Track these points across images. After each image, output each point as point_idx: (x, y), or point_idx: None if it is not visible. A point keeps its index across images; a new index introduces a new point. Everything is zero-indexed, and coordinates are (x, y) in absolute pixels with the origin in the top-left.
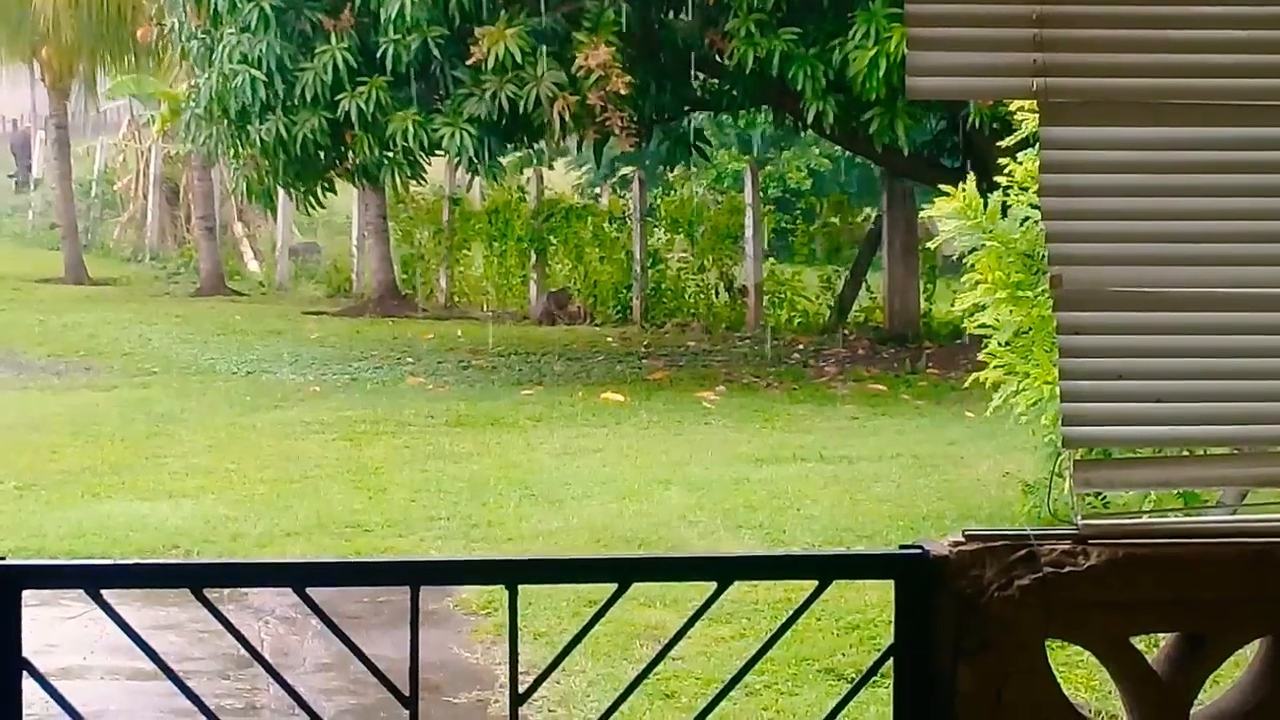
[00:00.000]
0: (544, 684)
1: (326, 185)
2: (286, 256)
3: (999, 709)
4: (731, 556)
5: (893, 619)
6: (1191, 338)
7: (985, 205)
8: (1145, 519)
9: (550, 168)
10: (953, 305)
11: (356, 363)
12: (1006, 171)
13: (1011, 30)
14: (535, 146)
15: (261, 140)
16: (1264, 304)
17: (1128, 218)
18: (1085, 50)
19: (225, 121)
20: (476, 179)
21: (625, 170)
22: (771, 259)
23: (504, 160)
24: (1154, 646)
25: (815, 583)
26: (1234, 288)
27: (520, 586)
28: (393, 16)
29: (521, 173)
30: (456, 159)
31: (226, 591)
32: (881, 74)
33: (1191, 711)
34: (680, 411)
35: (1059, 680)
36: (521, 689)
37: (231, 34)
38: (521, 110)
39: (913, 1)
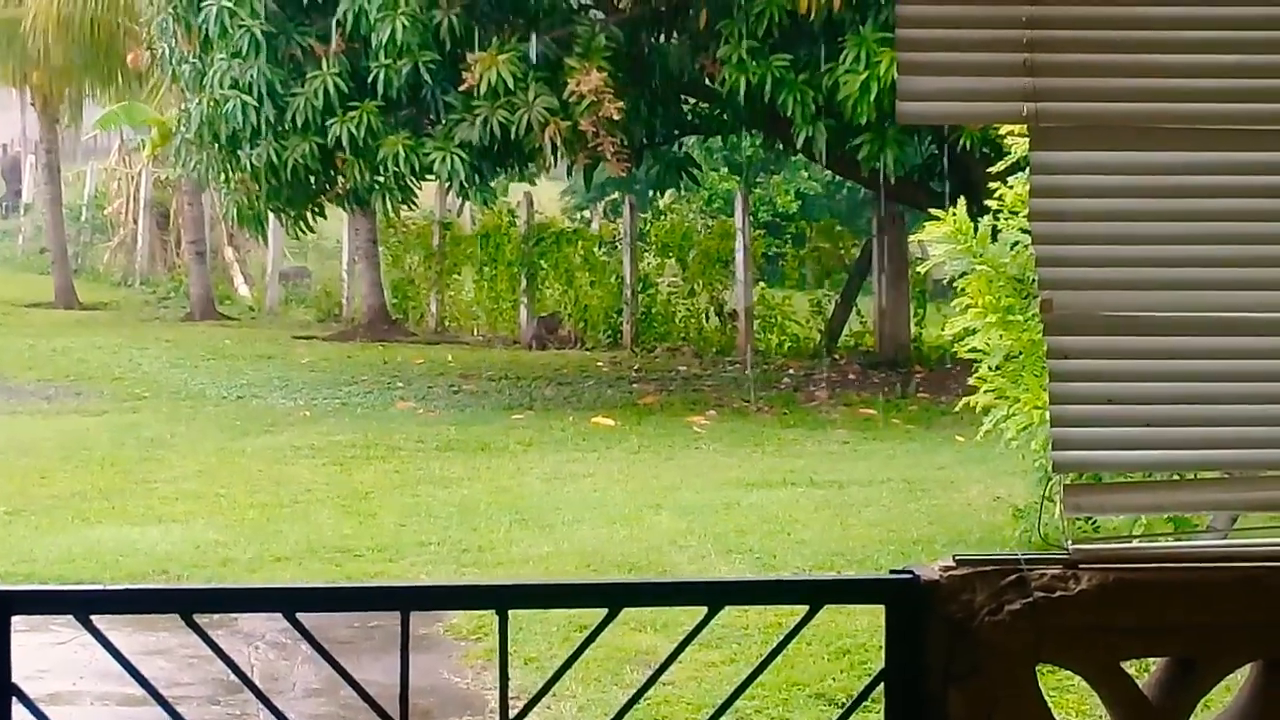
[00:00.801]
0: (534, 709)
1: (317, 210)
2: (277, 281)
3: None
4: (722, 581)
5: (883, 644)
6: (1182, 362)
7: (975, 229)
8: (1136, 544)
9: (534, 184)
10: (943, 329)
11: (347, 387)
12: (997, 195)
13: (1002, 55)
14: (526, 169)
15: (252, 165)
16: (1255, 329)
17: (1118, 242)
18: (1076, 75)
19: (216, 146)
20: (467, 203)
21: (614, 194)
22: (761, 283)
23: (492, 183)
24: (1145, 671)
25: (806, 608)
26: (1224, 312)
27: (510, 611)
28: (384, 42)
29: (507, 192)
30: (447, 184)
31: (216, 617)
32: (872, 99)
33: None
34: (671, 436)
35: (1050, 705)
36: (512, 714)
37: (222, 59)
38: (513, 135)
39: (903, 27)
